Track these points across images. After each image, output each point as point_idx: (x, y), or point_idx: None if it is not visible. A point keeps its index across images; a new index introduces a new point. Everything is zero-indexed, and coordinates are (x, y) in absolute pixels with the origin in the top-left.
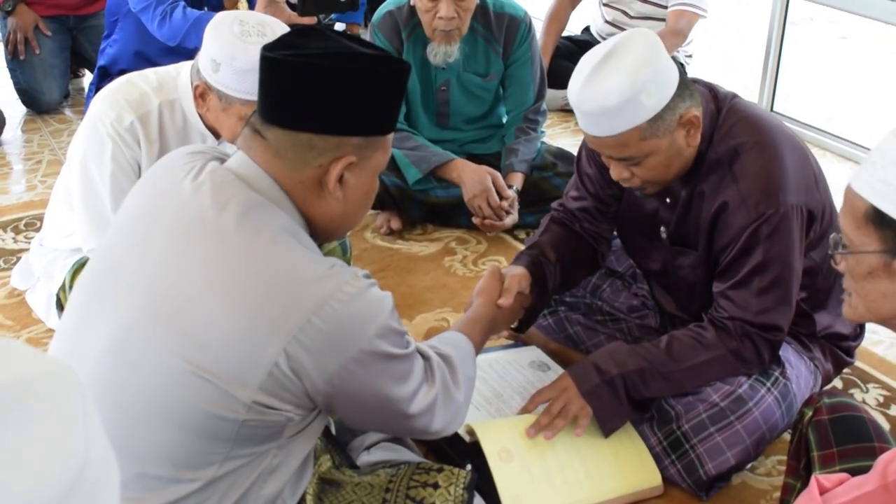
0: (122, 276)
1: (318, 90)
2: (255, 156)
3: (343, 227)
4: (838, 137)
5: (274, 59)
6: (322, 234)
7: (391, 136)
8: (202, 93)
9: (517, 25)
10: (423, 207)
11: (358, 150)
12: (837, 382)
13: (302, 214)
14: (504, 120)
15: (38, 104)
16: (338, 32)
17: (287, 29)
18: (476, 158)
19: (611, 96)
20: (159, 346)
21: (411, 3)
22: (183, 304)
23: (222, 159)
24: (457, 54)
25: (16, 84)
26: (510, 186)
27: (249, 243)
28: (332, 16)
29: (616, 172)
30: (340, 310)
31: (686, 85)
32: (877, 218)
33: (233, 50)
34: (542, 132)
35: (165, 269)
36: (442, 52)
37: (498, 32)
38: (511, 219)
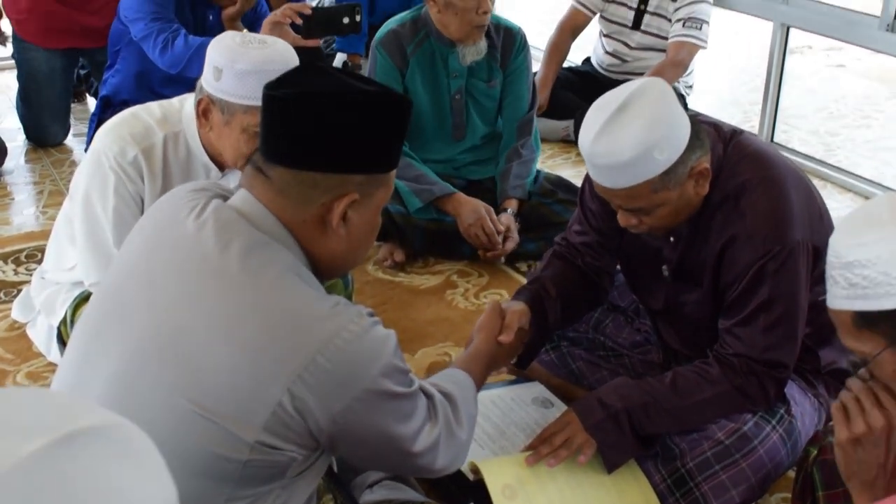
0: (125, 315)
1: (321, 129)
2: (258, 194)
3: (346, 265)
4: (838, 168)
5: (276, 98)
6: (326, 271)
7: (394, 172)
8: (205, 109)
9: (513, 37)
10: (425, 236)
11: (361, 188)
12: None
13: (305, 252)
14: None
15: (42, 142)
16: (340, 70)
17: (288, 46)
18: (476, 184)
19: (624, 151)
20: (162, 386)
21: (434, 11)
22: (186, 343)
23: (225, 197)
24: (485, 48)
25: (22, 121)
26: (505, 210)
27: (253, 283)
28: (334, 45)
29: (624, 220)
30: (345, 349)
31: (697, 135)
32: (865, 320)
33: (234, 54)
34: (537, 152)
35: (169, 308)
36: (475, 50)
37: (497, 41)
38: (511, 243)
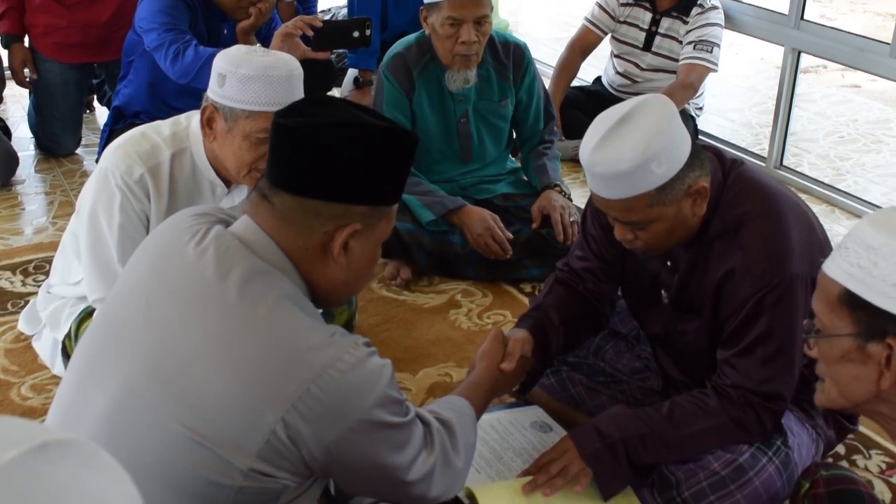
0: (124, 338)
1: (329, 159)
2: (261, 221)
3: (345, 294)
4: (847, 193)
5: (286, 126)
6: (324, 300)
7: (396, 206)
8: (209, 118)
9: (521, 52)
10: (430, 257)
11: (363, 219)
12: (840, 448)
13: (305, 281)
14: (509, 164)
15: (53, 152)
16: (351, 102)
17: (294, 60)
18: (483, 203)
19: (622, 162)
20: (158, 411)
21: (427, 32)
22: (183, 370)
23: (228, 222)
24: (475, 79)
25: (33, 131)
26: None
27: (250, 312)
28: (346, 61)
29: (620, 233)
30: (339, 379)
31: (697, 154)
32: (850, 301)
33: (238, 59)
34: (557, 154)
35: (167, 334)
36: (461, 78)
37: (506, 59)
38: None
